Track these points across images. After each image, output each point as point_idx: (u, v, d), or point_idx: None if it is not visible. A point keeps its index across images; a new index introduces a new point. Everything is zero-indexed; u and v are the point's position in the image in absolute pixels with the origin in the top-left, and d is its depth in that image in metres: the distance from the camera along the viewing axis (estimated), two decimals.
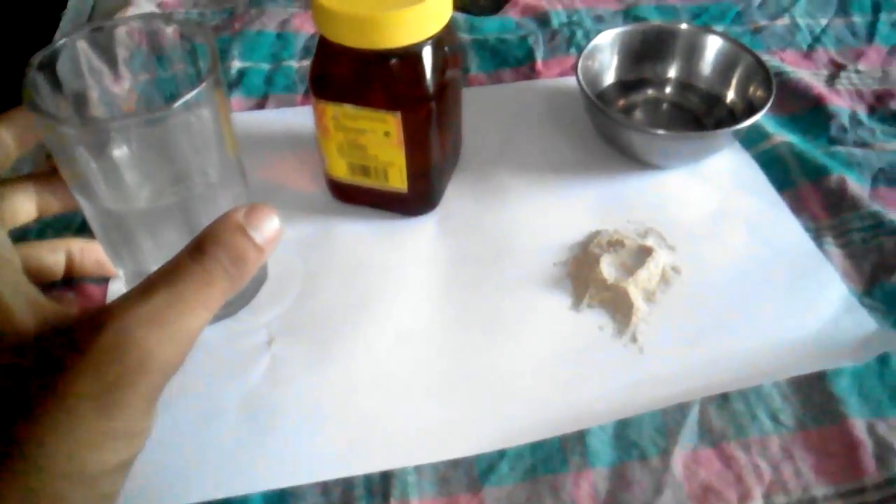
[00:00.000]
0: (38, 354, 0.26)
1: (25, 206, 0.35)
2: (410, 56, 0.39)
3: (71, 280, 0.41)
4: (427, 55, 0.39)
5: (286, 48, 0.58)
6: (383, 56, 0.38)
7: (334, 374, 0.38)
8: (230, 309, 0.40)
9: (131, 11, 0.60)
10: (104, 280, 0.42)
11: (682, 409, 0.35)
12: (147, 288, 0.27)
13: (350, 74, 0.39)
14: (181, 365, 0.27)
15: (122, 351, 0.25)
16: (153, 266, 0.37)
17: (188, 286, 0.27)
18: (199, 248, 0.28)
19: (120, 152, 0.32)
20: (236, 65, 0.55)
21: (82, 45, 0.34)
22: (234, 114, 0.52)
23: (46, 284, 0.41)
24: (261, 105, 0.53)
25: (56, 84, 0.33)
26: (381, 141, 0.41)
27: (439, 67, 0.40)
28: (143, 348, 0.26)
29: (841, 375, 0.36)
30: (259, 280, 0.42)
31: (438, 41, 0.40)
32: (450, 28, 0.41)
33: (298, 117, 0.52)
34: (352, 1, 0.37)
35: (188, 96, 0.30)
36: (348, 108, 0.40)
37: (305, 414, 0.36)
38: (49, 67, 0.32)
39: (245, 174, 0.38)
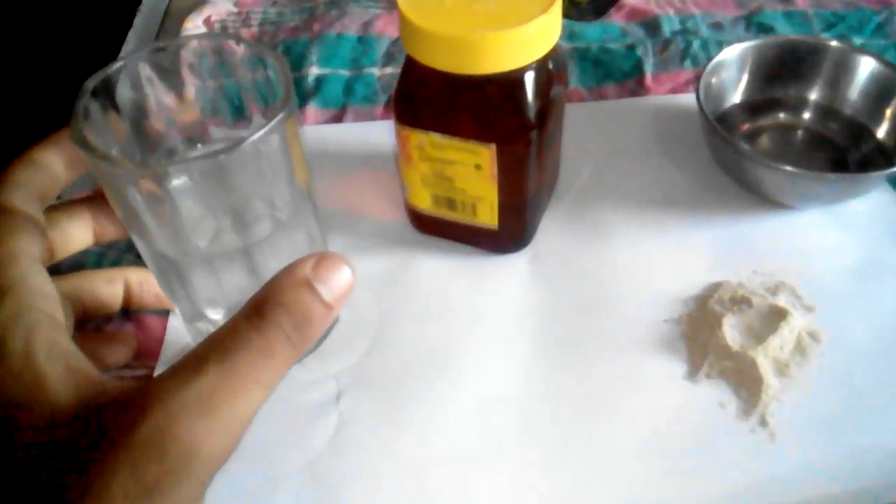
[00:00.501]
0: (70, 439, 0.22)
1: (80, 232, 0.32)
2: (511, 82, 0.33)
3: (129, 311, 0.38)
4: (530, 80, 0.34)
5: (368, 54, 0.53)
6: (479, 81, 0.33)
7: (407, 443, 0.33)
8: None
9: (207, 11, 0.57)
10: (165, 312, 0.39)
11: None
12: (196, 363, 0.23)
13: (440, 100, 0.34)
14: (232, 453, 0.23)
15: (164, 447, 0.22)
16: (212, 310, 0.33)
17: (243, 359, 0.23)
18: (258, 311, 0.24)
19: (176, 190, 0.28)
20: (314, 72, 0.51)
21: (143, 68, 0.30)
22: (308, 127, 0.48)
23: (103, 317, 0.37)
24: (338, 117, 0.49)
25: (112, 105, 0.29)
26: (471, 174, 0.36)
27: (542, 90, 0.34)
28: (188, 443, 0.22)
29: None
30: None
31: (543, 60, 0.34)
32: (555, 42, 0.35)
33: (379, 132, 0.47)
34: (445, 17, 0.32)
35: (257, 135, 0.26)
36: (436, 137, 0.35)
37: (373, 488, 0.32)
38: (105, 91, 0.28)
39: (316, 208, 0.33)
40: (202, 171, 0.27)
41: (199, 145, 0.33)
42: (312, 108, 0.49)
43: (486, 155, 0.35)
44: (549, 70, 0.35)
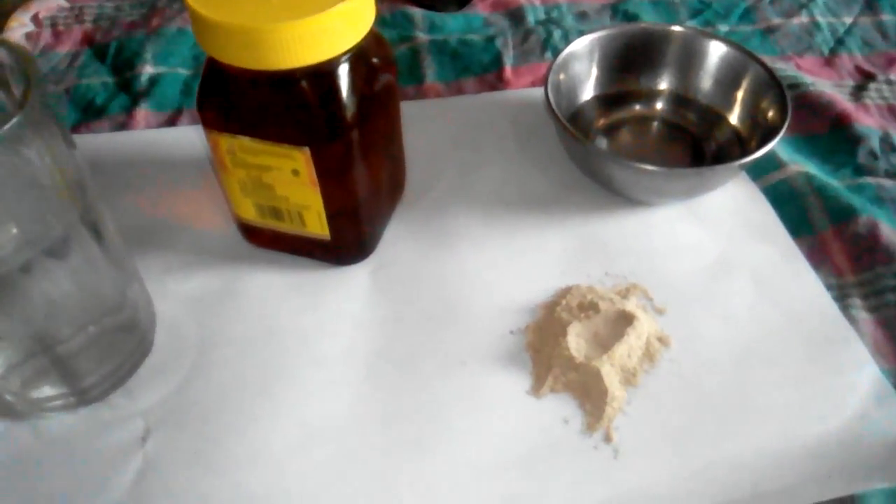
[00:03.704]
0: None
1: None
2: (320, 77, 0.30)
3: None
4: (344, 73, 0.30)
5: None
6: (284, 78, 0.29)
7: (219, 486, 0.29)
8: (99, 390, 0.32)
9: (35, 6, 0.52)
10: None
11: None
12: None
13: (245, 100, 0.31)
14: None
15: None
16: None
17: None
18: None
19: None
20: (148, 70, 0.47)
21: None
22: (136, 132, 0.43)
23: None
24: (173, 121, 0.44)
25: None
26: (290, 180, 0.32)
27: (362, 85, 0.31)
28: None
29: (872, 499, 0.28)
30: (141, 350, 0.33)
31: (361, 52, 0.31)
32: (375, 33, 0.32)
33: None
34: (238, 8, 0.28)
35: None
36: (245, 141, 0.31)
37: None
38: None
39: (101, 232, 0.29)
40: None
41: None
42: (144, 111, 0.44)
43: (300, 159, 0.31)
44: (373, 63, 0.32)
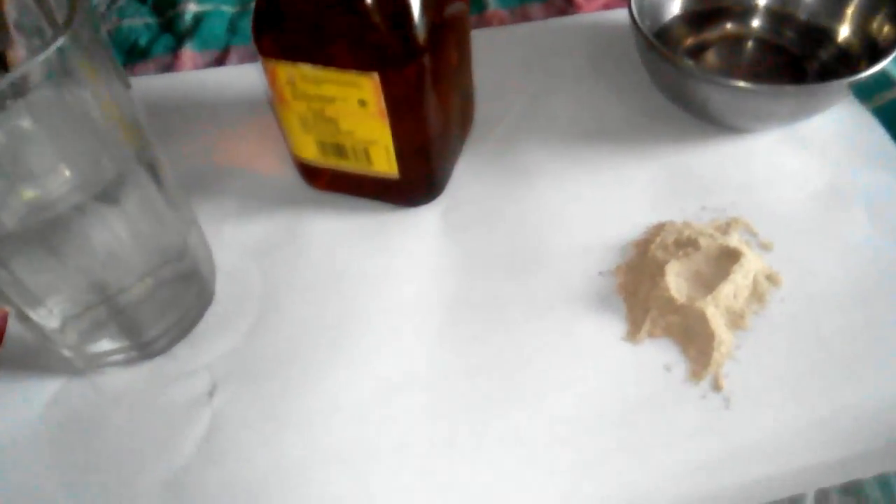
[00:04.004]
0: None
1: None
2: None
3: None
4: None
5: None
6: None
7: (293, 442, 0.27)
8: (162, 343, 0.30)
9: None
10: None
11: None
12: None
13: (307, 22, 0.28)
14: None
15: None
16: (34, 311, 0.27)
17: None
18: None
19: None
20: (192, 8, 0.44)
21: None
22: (184, 73, 0.41)
23: None
24: (221, 60, 0.42)
25: None
26: (356, 112, 0.29)
27: (434, 6, 0.28)
28: None
29: None
30: (203, 300, 0.31)
31: None
32: None
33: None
34: None
35: (10, 76, 0.19)
36: (307, 70, 0.28)
37: (252, 501, 0.26)
38: None
39: (159, 173, 0.27)
40: None
41: None
42: (189, 51, 0.42)
43: (369, 87, 0.28)
44: None
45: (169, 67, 0.41)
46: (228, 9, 0.44)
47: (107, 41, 0.24)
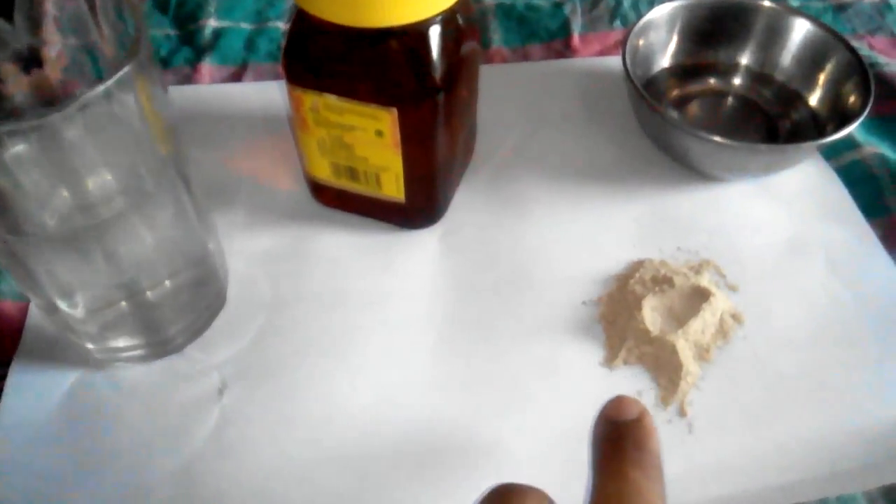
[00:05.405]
0: None
1: None
2: (413, 36, 0.29)
3: None
4: (435, 34, 0.30)
5: (273, 5, 0.48)
6: (377, 36, 0.29)
7: (297, 440, 0.30)
8: (177, 342, 0.32)
9: None
10: (23, 297, 0.34)
11: None
12: None
13: (334, 57, 0.30)
14: None
15: None
16: (65, 303, 0.29)
17: None
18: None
19: (15, 160, 0.24)
20: (212, 24, 0.46)
21: None
22: (204, 86, 0.43)
23: None
24: (238, 76, 0.44)
25: None
26: (373, 141, 0.32)
27: (450, 47, 0.31)
28: None
29: None
30: (216, 304, 0.34)
31: (451, 14, 0.30)
32: None
33: (282, 93, 0.43)
34: None
35: (92, 92, 0.21)
36: (331, 100, 0.31)
37: (258, 494, 0.28)
38: None
39: (187, 180, 0.29)
40: (37, 137, 0.23)
41: None
42: (208, 65, 0.44)
43: (387, 120, 0.31)
44: (459, 25, 0.32)
45: (188, 79, 0.43)
46: (247, 26, 0.47)
47: (154, 53, 0.26)
